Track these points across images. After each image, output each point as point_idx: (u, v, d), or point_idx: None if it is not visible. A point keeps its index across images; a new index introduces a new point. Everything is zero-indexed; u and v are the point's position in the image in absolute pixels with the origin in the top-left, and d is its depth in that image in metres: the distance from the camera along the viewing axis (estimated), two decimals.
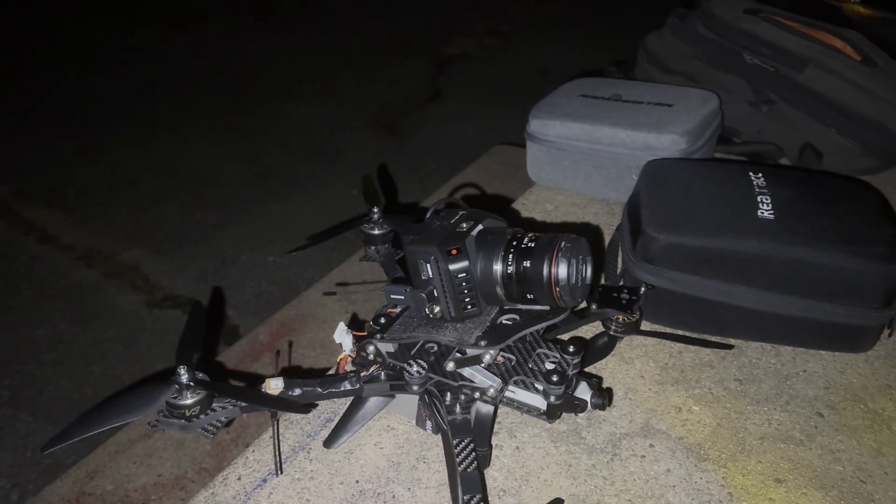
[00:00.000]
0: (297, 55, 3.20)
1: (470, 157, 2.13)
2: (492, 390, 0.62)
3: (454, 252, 0.60)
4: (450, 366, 0.63)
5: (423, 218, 0.71)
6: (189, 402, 0.62)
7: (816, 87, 1.12)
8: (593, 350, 0.79)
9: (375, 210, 0.84)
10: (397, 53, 3.16)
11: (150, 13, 3.64)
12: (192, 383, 0.62)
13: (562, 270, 0.59)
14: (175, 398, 0.62)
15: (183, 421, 0.62)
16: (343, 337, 0.72)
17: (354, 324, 0.78)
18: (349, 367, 0.71)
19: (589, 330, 0.84)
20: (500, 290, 0.62)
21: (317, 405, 0.74)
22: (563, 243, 0.60)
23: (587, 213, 1.08)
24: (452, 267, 0.61)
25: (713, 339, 0.84)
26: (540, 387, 0.63)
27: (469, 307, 0.63)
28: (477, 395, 0.62)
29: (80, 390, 1.67)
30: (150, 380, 0.63)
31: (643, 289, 0.79)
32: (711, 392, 0.78)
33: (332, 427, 0.71)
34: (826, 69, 1.11)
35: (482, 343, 0.61)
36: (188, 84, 3.01)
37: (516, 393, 0.64)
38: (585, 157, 1.08)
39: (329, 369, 0.81)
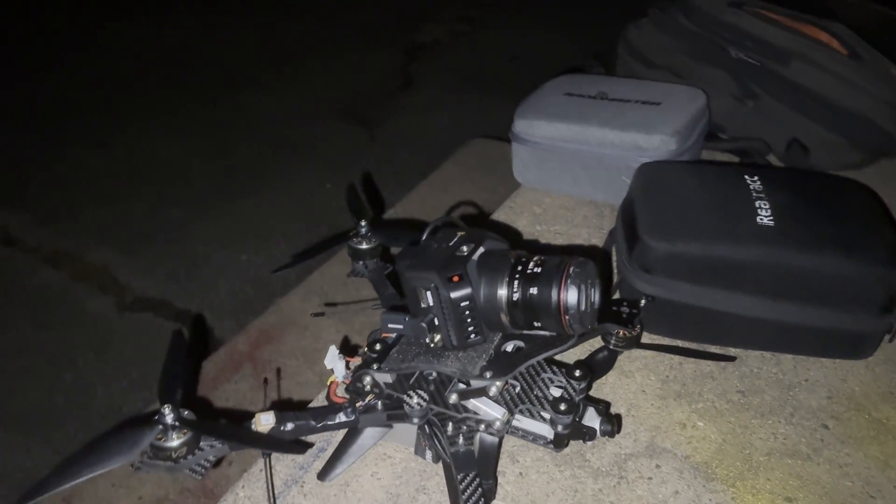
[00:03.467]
0: (260, 43, 3.12)
1: (444, 147, 2.09)
2: (498, 423, 0.59)
3: (455, 279, 0.57)
4: (453, 398, 0.60)
5: (416, 233, 0.68)
6: (175, 443, 0.58)
7: (802, 81, 1.10)
8: (593, 366, 0.77)
9: (363, 224, 0.81)
10: (365, 41, 3.09)
11: (105, 2, 3.51)
12: (177, 423, 0.58)
13: (571, 297, 0.56)
14: (160, 440, 0.58)
15: (169, 463, 0.59)
16: (335, 362, 0.68)
17: (346, 347, 0.75)
18: (340, 392, 0.68)
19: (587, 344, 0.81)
20: (505, 318, 0.59)
21: (312, 444, 0.70)
22: (571, 268, 0.57)
23: (576, 216, 1.06)
24: (454, 294, 0.57)
25: (714, 350, 0.83)
26: (546, 415, 0.60)
27: (472, 336, 0.59)
28: (482, 427, 0.60)
29: (51, 400, 1.61)
30: (132, 421, 0.59)
31: (643, 301, 0.76)
32: (715, 406, 0.76)
33: (327, 459, 0.68)
34: (812, 63, 1.09)
35: (487, 374, 0.58)
36: (148, 76, 2.91)
37: (521, 421, 0.62)
38: (573, 158, 1.05)
39: (317, 391, 0.78)
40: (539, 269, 0.58)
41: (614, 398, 0.77)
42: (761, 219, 0.80)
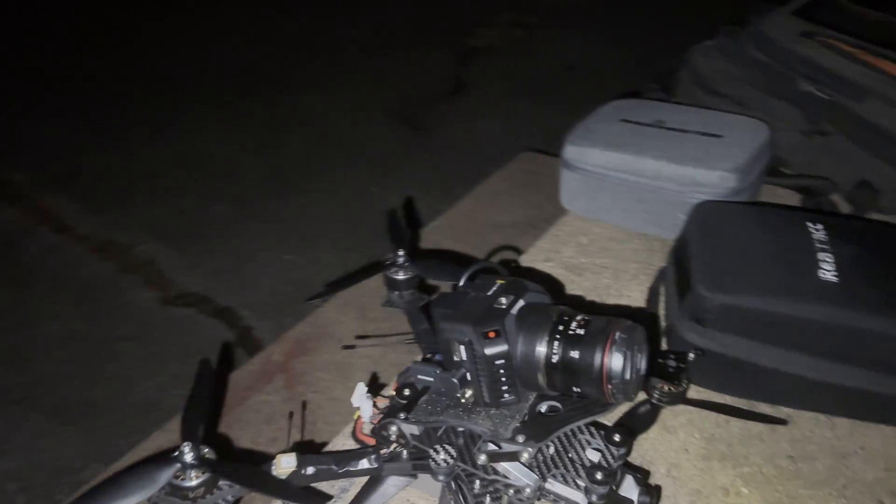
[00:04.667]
0: (317, 43, 3.12)
1: (492, 155, 2.06)
2: (528, 490, 0.56)
3: (492, 334, 0.54)
4: (482, 458, 0.56)
5: (455, 268, 0.65)
6: (193, 483, 0.57)
7: (877, 119, 1.04)
8: (634, 420, 0.73)
9: (401, 253, 0.78)
10: (420, 44, 3.06)
11: None
12: (196, 462, 0.57)
13: (616, 364, 0.52)
14: (178, 478, 0.57)
15: (187, 502, 0.57)
16: (362, 401, 0.66)
17: (374, 383, 0.72)
18: (367, 431, 0.65)
19: None
20: (541, 379, 0.56)
21: (331, 497, 0.68)
22: (618, 333, 0.53)
23: (625, 250, 1.01)
24: (489, 351, 0.54)
25: (764, 409, 0.78)
26: (581, 483, 0.56)
27: (506, 395, 0.56)
28: (511, 492, 0.57)
29: (92, 391, 1.63)
30: (153, 457, 0.58)
31: (692, 355, 0.72)
32: (762, 471, 0.72)
33: (349, 499, 0.65)
34: (888, 101, 1.03)
35: (520, 438, 0.55)
36: (206, 71, 2.94)
37: (554, 485, 0.58)
38: (626, 189, 1.01)
39: (348, 411, 0.76)
40: (583, 331, 0.54)
41: (655, 456, 0.73)
42: (823, 273, 0.75)
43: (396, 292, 0.79)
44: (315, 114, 2.64)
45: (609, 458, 0.58)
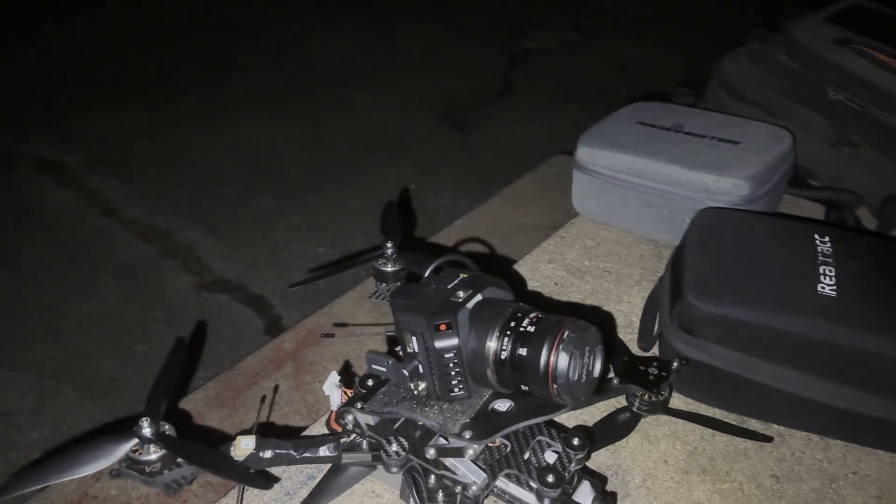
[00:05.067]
0: (368, 41, 3.15)
1: (534, 158, 2.04)
2: (474, 487, 0.55)
3: (443, 327, 0.53)
4: (430, 452, 0.56)
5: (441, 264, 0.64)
6: (150, 457, 0.58)
7: None
8: (612, 426, 0.71)
9: (390, 245, 0.78)
10: (470, 44, 3.06)
11: None
12: (153, 438, 0.58)
13: (562, 363, 0.51)
14: (136, 452, 0.58)
15: (144, 476, 0.58)
16: (332, 390, 0.66)
17: (347, 374, 0.72)
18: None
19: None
20: (491, 375, 0.55)
21: (278, 479, 0.68)
22: (566, 332, 0.52)
23: (631, 255, 0.99)
24: (439, 344, 0.54)
25: (752, 426, 0.75)
26: (534, 485, 0.55)
27: (456, 390, 0.55)
28: (458, 488, 0.56)
29: (123, 369, 1.68)
30: (113, 429, 0.59)
31: (675, 364, 0.70)
32: (742, 489, 0.69)
33: (312, 488, 0.66)
34: None
35: (466, 434, 0.54)
36: (257, 65, 3.00)
37: (508, 485, 0.57)
38: (635, 193, 0.99)
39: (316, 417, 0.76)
40: (533, 328, 0.53)
41: (631, 465, 0.71)
42: (822, 287, 0.72)
43: (384, 284, 0.79)
44: (361, 111, 2.67)
45: (566, 461, 0.57)
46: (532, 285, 0.94)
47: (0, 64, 3.00)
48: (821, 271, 0.73)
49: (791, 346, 0.70)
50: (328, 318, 1.36)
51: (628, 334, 0.86)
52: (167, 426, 0.60)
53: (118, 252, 2.03)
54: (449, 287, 0.57)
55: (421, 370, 0.56)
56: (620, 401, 0.73)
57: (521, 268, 0.98)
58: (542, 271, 0.96)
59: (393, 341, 0.59)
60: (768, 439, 0.73)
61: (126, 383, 1.64)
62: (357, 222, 2.10)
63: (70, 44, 3.19)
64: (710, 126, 1.02)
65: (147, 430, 0.57)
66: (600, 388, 0.68)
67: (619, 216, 1.02)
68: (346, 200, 2.21)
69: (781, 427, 0.75)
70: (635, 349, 0.83)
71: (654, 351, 0.82)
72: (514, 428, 0.54)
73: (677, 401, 0.78)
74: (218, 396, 1.23)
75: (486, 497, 0.57)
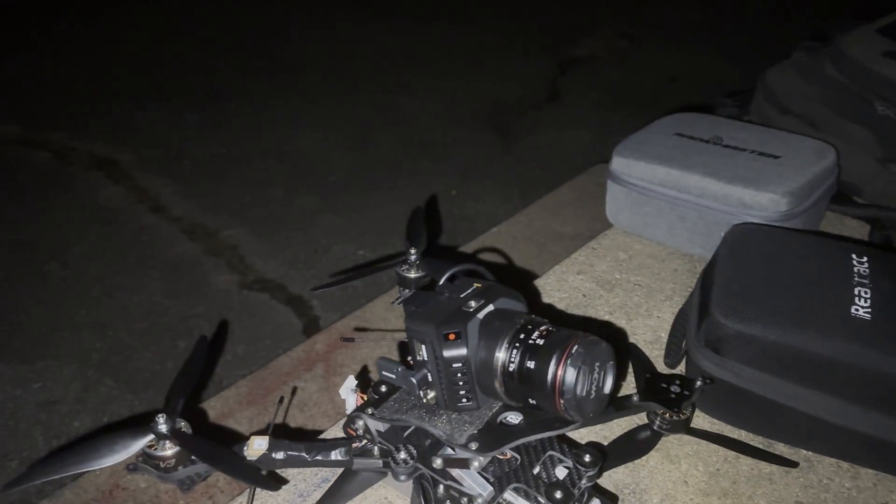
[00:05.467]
0: (415, 45, 3.17)
1: (578, 166, 2.02)
2: (480, 499, 0.54)
3: (452, 337, 0.53)
4: (437, 462, 0.56)
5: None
6: (165, 453, 0.59)
7: None
8: (632, 444, 0.70)
9: (413, 251, 0.78)
10: (519, 50, 3.05)
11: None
12: (168, 434, 0.59)
13: (569, 378, 0.50)
14: (152, 448, 0.59)
15: (159, 472, 0.59)
16: (348, 395, 0.66)
17: (366, 378, 0.72)
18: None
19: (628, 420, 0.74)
20: (499, 387, 0.54)
21: (287, 481, 0.69)
22: (575, 346, 0.51)
23: (664, 269, 0.97)
24: (447, 353, 0.53)
25: (781, 452, 0.72)
26: (542, 500, 0.54)
27: (464, 400, 0.55)
28: (465, 500, 0.55)
29: (163, 363, 1.72)
30: (130, 426, 0.60)
31: (699, 383, 0.68)
32: None
33: (325, 491, 0.66)
34: None
35: (472, 445, 0.53)
36: (305, 69, 3.05)
37: (517, 500, 0.57)
38: (670, 205, 0.97)
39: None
40: (542, 341, 0.52)
41: (650, 484, 0.69)
42: (856, 309, 0.69)
43: (407, 290, 0.78)
44: (406, 116, 2.68)
45: (576, 477, 0.56)
46: (559, 296, 0.93)
47: (62, 64, 3.11)
48: (856, 292, 0.71)
49: (821, 369, 0.68)
50: (360, 322, 1.37)
51: (655, 350, 0.85)
52: (183, 423, 0.61)
53: (164, 248, 2.08)
54: (461, 296, 0.56)
55: (430, 379, 0.55)
56: (642, 418, 0.72)
57: (550, 279, 0.97)
58: (570, 282, 0.95)
59: (405, 348, 0.59)
60: (793, 464, 0.71)
61: (165, 377, 1.68)
62: (397, 226, 2.11)
63: (127, 46, 3.29)
64: (750, 139, 1.00)
65: (163, 427, 0.58)
66: (619, 405, 0.67)
67: (652, 229, 1.01)
68: (385, 203, 2.23)
69: (809, 452, 0.73)
70: (661, 366, 0.82)
71: (681, 368, 0.80)
72: (521, 442, 0.54)
73: (702, 421, 0.76)
74: (249, 394, 1.25)
75: None
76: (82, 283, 1.92)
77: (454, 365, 0.54)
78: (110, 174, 2.36)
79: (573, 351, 0.51)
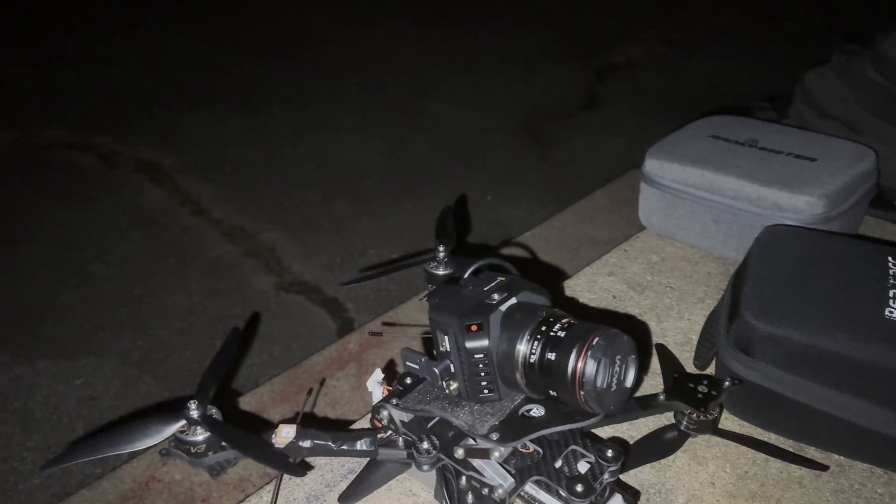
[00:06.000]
0: (453, 51, 3.19)
1: (615, 172, 2.01)
2: (500, 490, 0.55)
3: (474, 328, 0.54)
4: (459, 452, 0.56)
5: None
6: (196, 439, 0.60)
7: None
8: (658, 443, 0.69)
9: (441, 249, 0.79)
10: (556, 57, 3.05)
11: (319, 7, 3.79)
12: (199, 420, 0.60)
13: (589, 370, 0.50)
14: (183, 432, 0.61)
15: (189, 457, 0.61)
16: (375, 387, 0.67)
17: (392, 372, 0.73)
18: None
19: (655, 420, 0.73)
20: (520, 379, 0.54)
21: (312, 467, 0.70)
22: (596, 339, 0.51)
23: (697, 272, 0.96)
24: (469, 345, 0.54)
25: (812, 456, 0.71)
26: (563, 493, 0.55)
27: (486, 391, 0.56)
28: (486, 490, 0.56)
29: (200, 362, 1.75)
30: (162, 411, 0.62)
31: (727, 383, 0.68)
32: None
33: (351, 481, 0.67)
34: None
35: (494, 436, 0.54)
36: (346, 75, 3.09)
37: (539, 493, 0.57)
38: (703, 208, 0.96)
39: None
40: (563, 333, 0.52)
41: (676, 484, 0.69)
42: (891, 311, 0.68)
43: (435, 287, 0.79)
44: (442, 121, 2.70)
45: (597, 472, 0.56)
46: (589, 297, 0.93)
47: (108, 71, 3.20)
48: (890, 294, 0.69)
49: (852, 372, 0.67)
50: (393, 321, 1.38)
51: (685, 352, 0.84)
52: (214, 410, 0.62)
53: (204, 250, 2.12)
54: (485, 289, 0.57)
55: (452, 370, 0.56)
56: (669, 418, 0.71)
57: (580, 280, 0.96)
58: (600, 284, 0.95)
59: (429, 343, 0.60)
60: (824, 468, 0.69)
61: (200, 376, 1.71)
62: (431, 231, 2.12)
63: (172, 52, 3.37)
64: (786, 142, 0.99)
65: (194, 412, 0.60)
66: (645, 404, 0.67)
67: (685, 231, 1.00)
68: (419, 208, 2.24)
69: (841, 457, 0.71)
70: (691, 368, 0.81)
71: (711, 370, 0.80)
72: (542, 433, 0.54)
73: (731, 422, 0.75)
74: (282, 392, 1.26)
75: (513, 502, 0.57)
76: (124, 282, 1.96)
77: (476, 356, 0.54)
78: (153, 177, 2.42)
79: (594, 343, 0.51)
